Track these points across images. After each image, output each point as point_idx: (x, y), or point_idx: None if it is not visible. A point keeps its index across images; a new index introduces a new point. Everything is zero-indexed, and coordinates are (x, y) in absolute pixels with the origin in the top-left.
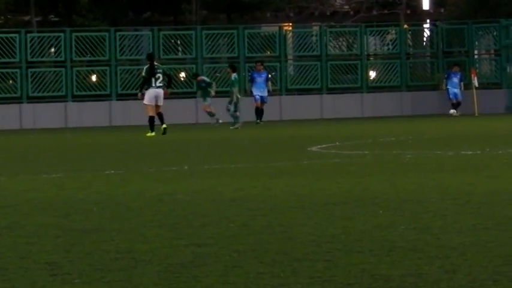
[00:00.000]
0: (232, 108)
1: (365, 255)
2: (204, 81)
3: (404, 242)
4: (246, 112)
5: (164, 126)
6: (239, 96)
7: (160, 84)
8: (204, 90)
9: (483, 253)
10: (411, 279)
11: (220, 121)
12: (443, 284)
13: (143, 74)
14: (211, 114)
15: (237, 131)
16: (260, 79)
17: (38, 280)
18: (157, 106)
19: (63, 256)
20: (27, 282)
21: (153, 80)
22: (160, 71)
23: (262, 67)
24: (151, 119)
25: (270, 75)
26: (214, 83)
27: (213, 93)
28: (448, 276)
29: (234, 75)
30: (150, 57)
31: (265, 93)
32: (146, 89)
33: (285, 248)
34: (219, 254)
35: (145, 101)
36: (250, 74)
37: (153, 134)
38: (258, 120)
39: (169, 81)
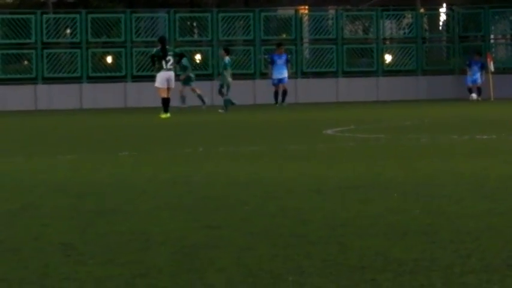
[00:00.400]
0: (225, 91)
1: (379, 239)
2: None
3: (418, 226)
4: (265, 95)
5: (166, 115)
6: (230, 80)
7: (171, 67)
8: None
9: (497, 238)
10: (425, 263)
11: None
12: (456, 268)
13: (153, 52)
14: (183, 98)
15: (250, 114)
16: (280, 61)
17: (51, 261)
18: (168, 89)
19: (77, 237)
20: (41, 263)
21: (164, 62)
22: (171, 53)
23: (283, 49)
24: (164, 100)
25: (289, 58)
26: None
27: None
28: (461, 261)
29: (227, 58)
30: (162, 40)
31: (285, 75)
32: (157, 71)
33: (298, 231)
34: (233, 237)
35: (157, 84)
36: (270, 56)
37: (168, 115)
38: (278, 103)
39: (179, 58)
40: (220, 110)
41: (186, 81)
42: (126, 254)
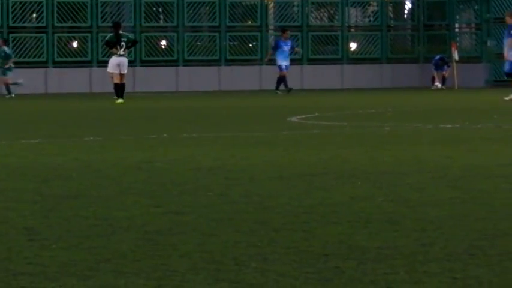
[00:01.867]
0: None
1: (342, 227)
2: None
3: (381, 214)
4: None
5: (120, 101)
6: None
7: (123, 53)
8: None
9: (460, 227)
10: (388, 251)
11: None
12: (419, 256)
13: (106, 38)
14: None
15: (215, 101)
16: (286, 47)
17: (15, 245)
18: (121, 74)
19: (41, 222)
20: (4, 247)
21: (117, 48)
22: (125, 39)
23: (288, 35)
24: (115, 86)
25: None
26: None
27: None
28: (424, 249)
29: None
30: (115, 26)
31: (288, 62)
32: (109, 57)
33: (262, 217)
34: (197, 223)
35: (109, 69)
36: (275, 41)
37: (121, 100)
38: (279, 90)
39: (131, 44)
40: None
41: (5, 71)
42: (90, 239)
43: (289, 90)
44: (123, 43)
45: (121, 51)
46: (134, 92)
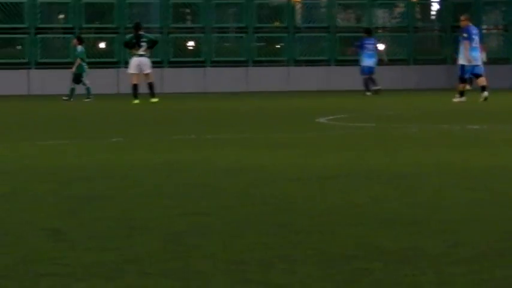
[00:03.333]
0: (86, 80)
1: (366, 228)
2: None
3: (404, 215)
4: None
5: (153, 100)
6: (86, 68)
7: (143, 53)
8: None
9: (484, 228)
10: (413, 252)
11: None
12: (445, 257)
13: (125, 39)
14: None
15: (243, 101)
16: (371, 46)
17: (40, 246)
18: (145, 75)
19: (66, 223)
20: (29, 248)
21: (136, 48)
22: (145, 39)
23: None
24: (134, 86)
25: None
26: None
27: None
28: (449, 250)
29: (80, 47)
30: (135, 27)
31: (373, 63)
32: (130, 58)
33: (284, 219)
34: (218, 224)
35: (129, 70)
36: (359, 41)
37: (137, 101)
38: (369, 92)
39: (152, 44)
40: (85, 100)
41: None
42: (115, 240)
43: (376, 90)
44: (143, 43)
45: (140, 51)
46: (162, 93)
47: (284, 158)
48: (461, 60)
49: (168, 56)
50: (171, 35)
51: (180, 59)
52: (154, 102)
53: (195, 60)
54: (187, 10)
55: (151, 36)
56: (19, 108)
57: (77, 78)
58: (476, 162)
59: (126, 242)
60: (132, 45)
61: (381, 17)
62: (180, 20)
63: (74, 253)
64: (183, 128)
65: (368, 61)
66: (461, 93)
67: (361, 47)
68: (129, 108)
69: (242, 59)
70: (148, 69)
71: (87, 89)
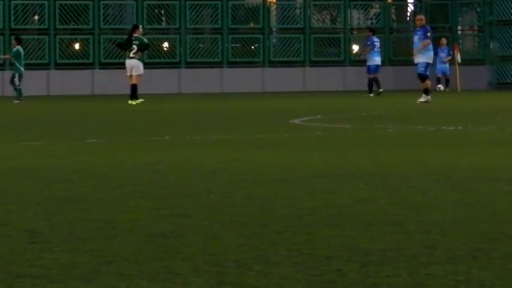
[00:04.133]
0: (17, 81)
1: (345, 229)
2: None
3: (384, 216)
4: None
5: (130, 102)
6: (23, 69)
7: (133, 56)
8: None
9: (463, 229)
10: (391, 253)
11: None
12: (422, 259)
13: (118, 40)
14: None
15: (218, 103)
16: (378, 44)
17: (17, 247)
18: (134, 75)
19: (44, 224)
20: (6, 249)
21: (128, 51)
22: (137, 42)
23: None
24: (131, 87)
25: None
26: None
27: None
28: (427, 252)
29: (17, 48)
30: (132, 28)
31: (379, 62)
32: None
33: (265, 220)
34: (200, 225)
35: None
36: (367, 40)
37: (133, 102)
38: (372, 93)
39: (142, 47)
40: (15, 101)
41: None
42: (92, 242)
43: (379, 92)
44: (134, 46)
45: (131, 54)
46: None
47: (265, 159)
48: (421, 58)
49: (143, 57)
50: (146, 36)
51: (155, 60)
52: (131, 105)
53: (170, 62)
54: (162, 11)
55: (145, 39)
56: None
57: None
58: (459, 163)
59: (104, 243)
60: (124, 47)
61: (356, 18)
62: (155, 21)
63: (50, 255)
64: (160, 129)
65: (375, 59)
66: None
67: (371, 45)
68: (104, 110)
69: (217, 60)
70: (136, 72)
71: (19, 90)
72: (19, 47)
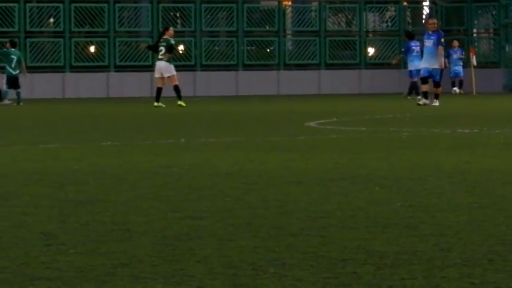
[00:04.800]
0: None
1: (360, 232)
2: None
3: (399, 219)
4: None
5: (179, 102)
6: (13, 72)
7: (161, 57)
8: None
9: (478, 232)
10: (406, 256)
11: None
12: (437, 261)
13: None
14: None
15: (233, 105)
16: (417, 48)
17: (32, 250)
18: (167, 78)
19: (58, 226)
20: (21, 252)
21: (157, 53)
22: (164, 43)
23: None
24: (156, 89)
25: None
26: None
27: None
28: (442, 254)
29: (5, 50)
30: (163, 29)
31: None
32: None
33: (279, 222)
34: (214, 228)
35: (154, 73)
36: (404, 46)
37: (159, 104)
38: (412, 96)
39: (169, 49)
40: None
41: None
42: (107, 244)
43: (410, 96)
44: (161, 47)
45: (159, 55)
46: (152, 97)
47: (280, 161)
48: (437, 64)
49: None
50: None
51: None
52: (181, 105)
53: (185, 64)
54: (178, 14)
55: (170, 40)
56: (9, 113)
57: (15, 81)
58: (474, 165)
59: (118, 246)
60: (153, 49)
61: (372, 21)
62: (171, 24)
63: (65, 257)
64: (175, 132)
65: (415, 63)
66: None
67: (408, 50)
68: (119, 112)
69: (232, 62)
70: (167, 73)
71: (5, 92)
72: (11, 50)
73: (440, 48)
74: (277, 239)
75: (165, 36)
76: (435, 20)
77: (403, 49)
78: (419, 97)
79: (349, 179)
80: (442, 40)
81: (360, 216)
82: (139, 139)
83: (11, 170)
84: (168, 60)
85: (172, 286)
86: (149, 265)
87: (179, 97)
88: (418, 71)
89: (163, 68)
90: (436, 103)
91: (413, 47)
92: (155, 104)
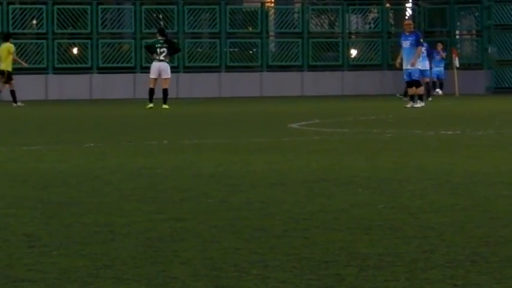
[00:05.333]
0: None
1: (343, 233)
2: None
3: (382, 220)
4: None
5: (165, 106)
6: None
7: (163, 58)
8: None
9: (461, 234)
10: (389, 258)
11: None
12: (421, 263)
13: (148, 43)
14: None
15: (216, 107)
16: (438, 57)
17: (15, 252)
18: (163, 80)
19: (42, 228)
20: (4, 254)
21: (157, 53)
22: (166, 45)
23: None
24: (150, 90)
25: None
26: None
27: None
28: (425, 256)
29: None
30: (159, 32)
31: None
32: (151, 62)
33: (263, 224)
34: (198, 229)
35: (150, 74)
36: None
37: (152, 105)
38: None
39: (173, 51)
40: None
41: None
42: (91, 246)
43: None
44: (164, 49)
45: (161, 57)
46: (133, 99)
47: (264, 163)
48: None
49: (142, 62)
50: (144, 41)
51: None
52: (165, 109)
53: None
54: (161, 15)
55: (174, 42)
56: None
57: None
58: (457, 167)
59: (102, 247)
60: (153, 50)
61: (355, 22)
62: (153, 26)
63: (48, 259)
64: (158, 134)
65: (424, 64)
66: (420, 97)
67: (431, 53)
68: (102, 114)
69: (215, 64)
70: (166, 75)
71: None
72: None
73: (419, 49)
74: (260, 241)
75: (163, 38)
76: (411, 21)
77: (429, 50)
78: (406, 98)
79: (332, 180)
80: (421, 40)
81: (343, 218)
82: (123, 140)
83: None
84: (168, 62)
85: None
86: (132, 267)
87: (165, 100)
88: (427, 71)
89: (164, 69)
90: (418, 104)
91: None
92: (150, 105)
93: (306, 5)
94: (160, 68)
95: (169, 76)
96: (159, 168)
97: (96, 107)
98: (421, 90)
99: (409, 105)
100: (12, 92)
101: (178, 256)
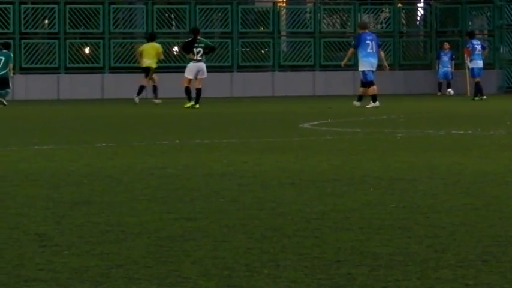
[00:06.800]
0: None
1: (354, 233)
2: None
3: (393, 220)
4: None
5: (188, 104)
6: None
7: (200, 58)
8: None
9: (472, 233)
10: (400, 257)
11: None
12: (432, 263)
13: (183, 43)
14: None
15: (227, 107)
16: (478, 47)
17: (27, 251)
18: (199, 79)
19: (53, 228)
20: (16, 253)
21: (193, 53)
22: (203, 45)
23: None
24: (186, 89)
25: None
26: None
27: None
28: (436, 256)
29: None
30: (193, 32)
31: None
32: (188, 63)
33: (274, 224)
34: (209, 229)
35: (185, 74)
36: (467, 44)
37: (192, 103)
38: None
39: (209, 50)
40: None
41: None
42: (102, 245)
43: (477, 97)
44: (200, 49)
45: (198, 57)
46: (146, 98)
47: (275, 163)
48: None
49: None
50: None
51: (166, 64)
52: (198, 109)
53: (180, 66)
54: (172, 15)
55: (209, 42)
56: (3, 114)
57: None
58: (468, 167)
59: (113, 247)
60: (189, 50)
61: (367, 22)
62: (165, 25)
63: (60, 258)
64: (169, 133)
65: (478, 62)
66: (360, 98)
67: (472, 49)
68: (114, 114)
69: (227, 64)
70: (203, 75)
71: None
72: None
73: (351, 51)
74: (271, 240)
75: (198, 38)
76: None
77: (469, 46)
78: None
79: (343, 180)
80: (379, 43)
81: (355, 217)
82: (134, 140)
83: (6, 172)
84: (205, 62)
85: (166, 287)
86: (144, 266)
87: (198, 100)
88: (479, 69)
89: (202, 69)
90: (371, 105)
91: (476, 45)
92: (191, 103)
93: (318, 4)
94: (199, 68)
95: (205, 76)
96: (170, 167)
97: (108, 107)
98: (373, 90)
99: (369, 106)
100: (155, 88)
101: (189, 256)
